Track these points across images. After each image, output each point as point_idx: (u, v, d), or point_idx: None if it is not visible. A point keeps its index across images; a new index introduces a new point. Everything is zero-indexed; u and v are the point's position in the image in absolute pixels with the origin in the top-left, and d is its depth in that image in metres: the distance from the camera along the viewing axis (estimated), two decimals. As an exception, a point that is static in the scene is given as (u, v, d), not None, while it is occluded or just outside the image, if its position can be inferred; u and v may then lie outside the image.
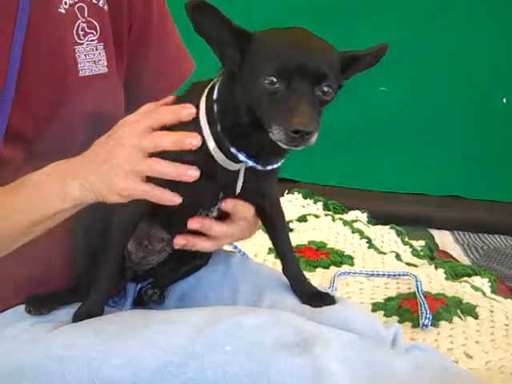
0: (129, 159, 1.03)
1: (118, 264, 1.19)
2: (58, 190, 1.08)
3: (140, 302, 1.35)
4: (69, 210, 1.11)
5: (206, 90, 1.10)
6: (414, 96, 3.01)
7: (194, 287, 1.35)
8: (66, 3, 1.20)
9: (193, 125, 1.07)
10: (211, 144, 1.08)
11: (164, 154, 1.03)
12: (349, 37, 2.83)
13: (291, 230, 2.53)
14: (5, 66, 1.13)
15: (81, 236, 1.25)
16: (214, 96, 1.08)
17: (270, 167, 1.11)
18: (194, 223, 1.15)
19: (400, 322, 1.88)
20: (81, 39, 1.22)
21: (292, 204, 2.79)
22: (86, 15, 1.22)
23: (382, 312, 1.93)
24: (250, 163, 1.08)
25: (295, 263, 1.27)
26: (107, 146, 1.06)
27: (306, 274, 2.11)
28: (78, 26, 1.21)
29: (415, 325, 1.84)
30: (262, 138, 1.03)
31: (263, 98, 0.99)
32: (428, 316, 1.81)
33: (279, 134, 0.97)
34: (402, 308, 1.93)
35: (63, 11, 1.20)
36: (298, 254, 2.27)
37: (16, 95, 1.14)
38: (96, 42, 1.24)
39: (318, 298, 1.24)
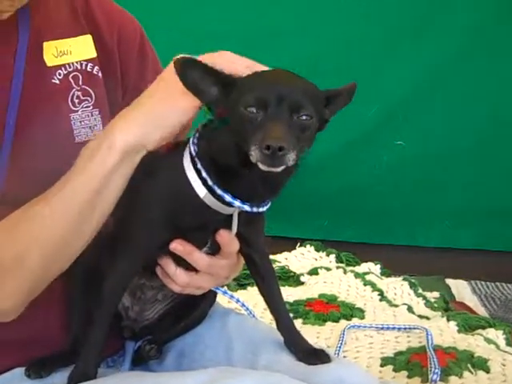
0: None
1: (109, 325, 1.19)
2: (105, 140, 1.10)
3: (138, 361, 1.35)
4: (121, 169, 1.10)
5: (188, 146, 1.12)
6: (429, 150, 3.01)
7: (192, 345, 1.35)
8: (59, 74, 1.24)
9: (180, 178, 1.10)
10: (202, 192, 1.10)
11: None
12: (368, 87, 2.91)
13: (302, 284, 2.52)
14: (0, 135, 1.17)
15: (76, 296, 1.26)
16: (194, 149, 1.11)
17: (260, 209, 1.13)
18: (175, 244, 1.13)
19: (409, 376, 1.85)
20: (76, 107, 1.25)
21: (304, 257, 2.79)
22: (80, 83, 1.26)
23: (391, 367, 1.91)
24: (238, 203, 1.09)
25: (289, 319, 1.26)
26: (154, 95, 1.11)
27: (315, 328, 2.15)
28: (73, 94, 1.25)
29: (424, 380, 1.81)
30: (251, 175, 1.06)
31: (244, 125, 1.02)
32: (436, 371, 1.78)
33: (255, 153, 0.99)
34: (412, 362, 1.91)
35: (57, 82, 1.23)
36: (308, 308, 2.27)
37: (12, 164, 1.17)
38: (91, 108, 1.27)
39: (313, 355, 1.23)
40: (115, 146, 1.10)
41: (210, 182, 1.09)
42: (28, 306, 1.18)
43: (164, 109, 1.10)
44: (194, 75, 1.06)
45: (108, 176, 1.11)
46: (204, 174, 1.09)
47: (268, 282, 1.26)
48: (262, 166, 1.01)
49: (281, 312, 1.26)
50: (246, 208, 1.10)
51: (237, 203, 1.09)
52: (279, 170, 1.01)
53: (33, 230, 1.13)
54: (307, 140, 1.05)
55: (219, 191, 1.09)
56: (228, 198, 1.09)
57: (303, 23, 2.91)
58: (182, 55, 1.07)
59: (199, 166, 1.10)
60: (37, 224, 1.13)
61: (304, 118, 1.03)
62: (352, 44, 2.94)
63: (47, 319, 1.26)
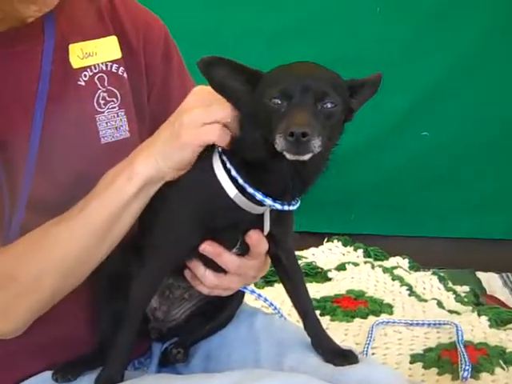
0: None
1: (137, 329, 1.19)
2: (125, 169, 1.13)
3: (165, 363, 1.36)
4: (139, 197, 1.13)
5: (216, 147, 1.12)
6: (455, 140, 2.97)
7: (219, 347, 1.35)
8: (85, 76, 1.24)
9: (210, 178, 1.10)
10: (233, 192, 1.09)
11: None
12: (394, 78, 2.87)
13: (330, 280, 2.50)
14: (26, 138, 1.17)
15: (103, 300, 1.27)
16: (222, 149, 1.11)
17: (290, 207, 1.12)
18: (205, 245, 1.14)
19: (439, 374, 1.83)
20: (101, 108, 1.26)
21: (331, 252, 2.77)
22: (106, 84, 1.26)
23: (421, 364, 1.88)
24: (269, 201, 1.09)
25: (316, 320, 1.25)
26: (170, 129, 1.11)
27: (343, 325, 2.13)
28: (99, 95, 1.25)
29: (455, 377, 1.78)
30: (281, 169, 1.05)
31: (269, 117, 1.02)
32: (467, 368, 1.75)
33: (280, 142, 0.99)
34: (442, 359, 1.88)
35: (83, 83, 1.24)
36: (336, 305, 2.25)
37: (38, 166, 1.18)
38: (117, 108, 1.27)
39: (341, 356, 1.22)
40: (135, 178, 1.12)
41: (240, 181, 1.08)
42: (55, 310, 1.20)
43: (174, 147, 1.11)
44: (220, 73, 1.06)
45: (125, 205, 1.14)
46: (234, 173, 1.09)
47: (295, 282, 1.25)
48: (287, 155, 1.00)
49: (308, 313, 1.25)
50: (277, 206, 1.10)
51: (268, 201, 1.09)
52: (305, 157, 1.00)
53: (50, 251, 1.15)
54: (334, 129, 1.05)
55: (250, 190, 1.08)
56: (259, 196, 1.08)
57: (328, 17, 2.88)
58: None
59: (228, 165, 1.09)
60: (54, 245, 1.15)
61: (329, 106, 1.02)
62: (378, 36, 2.89)
63: (74, 322, 1.27)
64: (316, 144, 0.98)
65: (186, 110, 1.10)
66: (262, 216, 1.13)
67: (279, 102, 1.02)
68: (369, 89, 1.11)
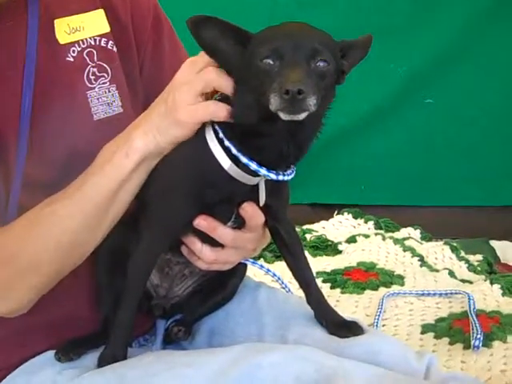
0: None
1: (138, 305, 1.18)
2: (123, 145, 1.12)
3: (169, 340, 1.35)
4: (137, 173, 1.12)
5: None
6: (461, 107, 2.92)
7: (223, 322, 1.34)
8: (73, 51, 1.22)
9: (203, 150, 1.08)
10: (226, 163, 1.07)
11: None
12: (397, 46, 2.81)
13: (340, 252, 2.48)
14: (16, 117, 1.16)
15: (103, 277, 1.26)
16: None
17: (285, 177, 1.10)
18: (199, 220, 1.12)
19: (451, 343, 1.81)
20: (92, 84, 1.24)
21: (342, 225, 2.74)
22: (95, 59, 1.24)
23: (433, 334, 1.86)
24: (264, 171, 1.07)
25: (319, 292, 1.24)
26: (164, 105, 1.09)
27: (354, 297, 2.11)
28: (89, 71, 1.23)
29: (467, 346, 1.77)
30: (275, 133, 1.03)
31: (262, 78, 1.00)
32: (479, 337, 1.73)
33: (275, 101, 0.97)
34: (453, 329, 1.86)
35: (71, 59, 1.22)
36: (346, 277, 2.23)
37: (30, 145, 1.17)
38: (108, 84, 1.25)
39: (345, 328, 1.20)
40: (132, 154, 1.11)
41: (233, 151, 1.06)
42: (56, 289, 1.19)
43: (170, 124, 1.09)
44: (210, 33, 1.04)
45: (124, 180, 1.13)
46: (227, 143, 1.07)
47: (295, 254, 1.23)
48: (282, 115, 0.98)
49: (310, 285, 1.23)
50: (272, 176, 1.08)
51: (263, 171, 1.07)
52: (301, 117, 0.98)
53: (49, 229, 1.15)
54: (327, 89, 1.03)
55: (244, 159, 1.06)
56: (254, 166, 1.06)
57: None
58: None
59: (221, 135, 1.07)
60: (53, 223, 1.14)
61: (321, 64, 1.01)
62: (381, 2, 2.84)
63: (76, 301, 1.26)
64: (311, 102, 0.97)
65: (177, 85, 1.08)
66: (256, 187, 1.11)
67: (271, 62, 1.00)
68: (359, 50, 1.09)
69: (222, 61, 1.06)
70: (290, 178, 1.11)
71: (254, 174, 1.08)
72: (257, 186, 1.11)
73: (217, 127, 1.08)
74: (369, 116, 2.93)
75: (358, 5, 2.82)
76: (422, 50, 2.87)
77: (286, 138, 1.05)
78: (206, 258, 1.18)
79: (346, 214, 2.79)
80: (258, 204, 1.12)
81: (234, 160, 1.07)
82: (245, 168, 1.07)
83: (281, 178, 1.09)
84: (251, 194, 1.12)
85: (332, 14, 2.75)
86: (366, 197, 2.99)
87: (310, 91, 0.96)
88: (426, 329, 1.89)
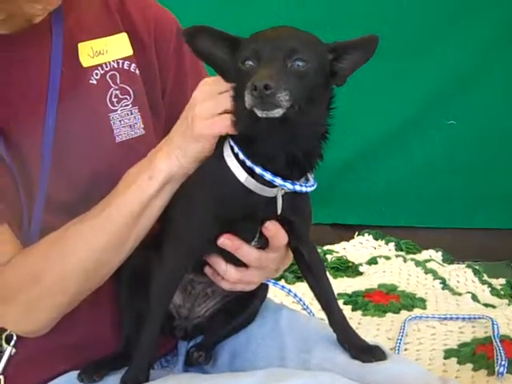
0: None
1: (160, 327, 1.18)
2: (146, 168, 1.13)
3: (190, 363, 1.34)
4: (161, 195, 1.14)
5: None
6: (483, 128, 2.89)
7: (245, 344, 1.33)
8: (97, 74, 1.23)
9: (220, 166, 1.09)
10: (243, 176, 1.08)
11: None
12: (419, 65, 2.80)
13: (361, 274, 2.47)
14: (39, 139, 1.17)
15: (126, 298, 1.26)
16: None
17: (303, 188, 1.10)
18: (223, 239, 1.12)
19: (474, 369, 1.79)
20: (114, 106, 1.25)
21: (363, 246, 2.73)
22: (118, 82, 1.25)
23: (456, 359, 1.84)
24: (279, 181, 1.07)
25: (341, 315, 1.22)
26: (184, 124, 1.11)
27: (375, 320, 2.09)
28: (111, 93, 1.24)
29: (491, 372, 1.74)
30: (269, 136, 1.05)
31: (243, 80, 1.01)
32: (503, 363, 1.70)
33: (247, 99, 0.99)
34: (477, 354, 1.84)
35: (94, 82, 1.23)
36: (367, 299, 2.22)
37: (54, 166, 1.18)
38: (130, 106, 1.26)
39: (368, 352, 1.19)
40: (156, 177, 1.13)
41: (248, 163, 1.07)
42: (78, 309, 1.19)
43: (189, 141, 1.10)
44: (204, 42, 1.08)
45: (148, 202, 1.14)
46: (241, 156, 1.08)
47: (317, 276, 1.22)
48: (257, 112, 0.99)
49: (332, 308, 1.22)
50: (288, 186, 1.08)
51: (278, 180, 1.07)
52: (275, 113, 0.99)
53: (74, 249, 1.16)
54: (311, 88, 1.03)
55: (258, 170, 1.07)
56: (268, 175, 1.07)
57: (353, 7, 2.83)
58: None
59: (236, 149, 1.08)
60: (78, 244, 1.16)
61: (300, 63, 1.02)
62: (405, 21, 2.81)
63: (97, 321, 1.26)
64: (283, 98, 0.98)
65: (195, 104, 1.10)
66: (275, 200, 1.10)
67: (251, 64, 1.02)
68: (358, 52, 1.08)
69: (217, 68, 1.09)
70: (309, 189, 1.11)
71: (271, 184, 1.08)
72: (275, 198, 1.11)
73: (231, 142, 1.09)
74: (390, 137, 2.92)
75: (377, 24, 2.79)
76: (445, 70, 2.85)
77: (283, 140, 1.06)
78: (230, 278, 1.17)
79: (366, 235, 2.78)
80: (279, 221, 1.12)
81: (250, 173, 1.08)
82: (261, 179, 1.08)
83: (298, 187, 1.09)
84: (271, 208, 1.11)
85: (351, 32, 2.72)
86: (387, 218, 2.97)
87: (281, 86, 0.97)
88: (448, 354, 1.87)
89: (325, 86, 1.07)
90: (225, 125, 1.07)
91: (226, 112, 1.07)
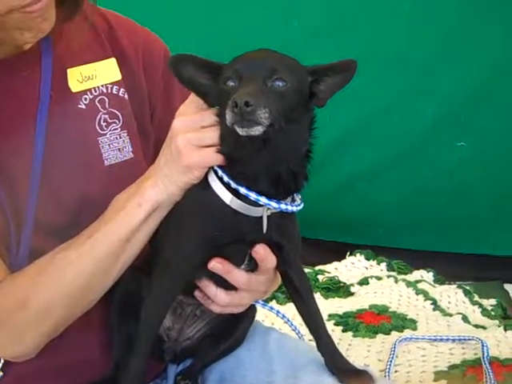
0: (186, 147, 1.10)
1: (150, 352, 1.18)
2: (135, 195, 1.14)
3: (179, 387, 1.34)
4: (149, 222, 1.14)
5: None
6: (493, 151, 2.78)
7: (233, 368, 1.33)
8: (85, 99, 1.25)
9: (206, 189, 1.11)
10: (228, 197, 1.09)
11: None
12: (427, 84, 2.73)
13: (352, 294, 2.47)
14: (29, 162, 1.18)
15: (115, 322, 1.26)
16: None
17: (289, 207, 1.11)
18: (214, 263, 1.12)
19: (464, 392, 1.78)
20: (103, 130, 1.26)
21: (354, 266, 2.73)
22: (107, 106, 1.26)
23: (445, 381, 1.84)
24: (264, 200, 1.08)
25: (329, 339, 1.23)
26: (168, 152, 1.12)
27: (366, 341, 2.09)
28: (100, 118, 1.25)
29: (480, 395, 1.74)
30: (253, 156, 1.06)
31: (225, 99, 1.03)
32: (492, 386, 1.70)
33: (229, 116, 1.01)
34: (467, 376, 1.84)
35: (83, 107, 1.24)
36: (358, 320, 2.22)
37: (42, 189, 1.18)
38: (119, 130, 1.27)
39: (356, 377, 1.19)
40: (144, 204, 1.13)
41: (233, 185, 1.08)
42: (67, 332, 1.19)
43: (179, 170, 1.11)
44: (187, 70, 1.10)
45: (136, 229, 1.15)
46: (226, 179, 1.09)
47: (306, 300, 1.23)
48: (238, 130, 1.01)
49: (321, 332, 1.23)
50: (274, 205, 1.09)
51: (262, 199, 1.08)
52: (255, 130, 1.00)
53: (61, 275, 1.16)
54: (290, 108, 1.05)
55: (243, 190, 1.08)
56: (253, 195, 1.08)
57: (356, 19, 2.78)
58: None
59: (220, 172, 1.10)
60: (65, 269, 1.16)
61: (280, 84, 1.04)
62: (411, 42, 2.71)
63: (86, 344, 1.26)
64: (262, 115, 0.99)
65: (177, 133, 1.11)
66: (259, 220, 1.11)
67: (233, 84, 1.05)
68: (337, 76, 1.10)
69: (200, 93, 1.12)
70: (295, 208, 1.12)
71: (256, 204, 1.09)
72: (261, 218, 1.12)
73: (215, 167, 1.10)
74: (393, 159, 2.82)
75: (382, 41, 2.71)
76: (454, 90, 2.75)
77: (265, 160, 1.07)
78: (220, 301, 1.18)
79: (358, 255, 2.78)
80: (268, 244, 1.13)
81: (236, 194, 1.09)
82: (246, 200, 1.09)
83: (283, 206, 1.10)
84: (259, 229, 1.12)
85: (356, 47, 2.64)
86: (381, 239, 2.94)
87: (260, 104, 0.99)
88: (439, 376, 1.86)
89: (305, 107, 1.09)
90: (215, 158, 1.08)
91: (213, 145, 1.08)
